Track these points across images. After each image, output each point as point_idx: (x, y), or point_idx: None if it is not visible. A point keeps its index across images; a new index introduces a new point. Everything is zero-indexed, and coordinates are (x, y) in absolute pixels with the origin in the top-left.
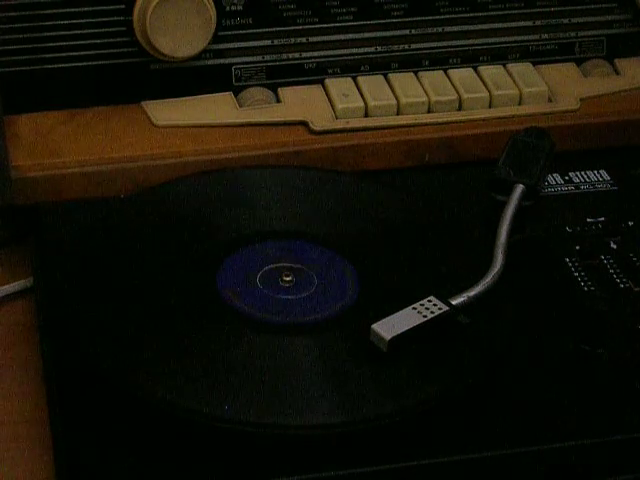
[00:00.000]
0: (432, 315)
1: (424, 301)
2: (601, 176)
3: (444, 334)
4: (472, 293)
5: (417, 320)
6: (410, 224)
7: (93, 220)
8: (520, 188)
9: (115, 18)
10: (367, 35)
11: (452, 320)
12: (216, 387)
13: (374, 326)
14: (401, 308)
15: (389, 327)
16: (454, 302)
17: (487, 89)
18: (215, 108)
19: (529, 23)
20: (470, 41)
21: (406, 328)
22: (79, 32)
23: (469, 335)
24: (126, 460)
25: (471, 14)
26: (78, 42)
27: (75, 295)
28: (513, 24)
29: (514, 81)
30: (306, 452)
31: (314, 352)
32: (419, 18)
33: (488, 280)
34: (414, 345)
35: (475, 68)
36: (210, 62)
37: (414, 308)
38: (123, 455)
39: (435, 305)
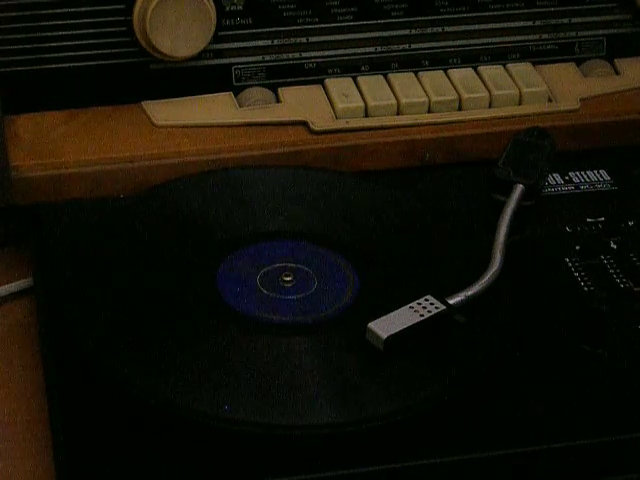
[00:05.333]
0: (429, 314)
1: (421, 300)
2: (601, 176)
3: (441, 333)
4: (470, 292)
5: (414, 319)
6: (410, 224)
7: (93, 220)
8: (520, 188)
9: (115, 18)
10: (367, 35)
11: (449, 319)
12: (216, 387)
13: (370, 325)
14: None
15: (385, 326)
16: (452, 301)
17: (487, 89)
18: (215, 108)
19: (529, 23)
20: (470, 41)
21: (402, 327)
22: (79, 32)
23: (468, 335)
24: (126, 460)
25: (471, 14)
26: (78, 42)
27: (75, 295)
28: (513, 24)
29: (514, 81)
30: (305, 452)
31: (314, 352)
32: (419, 18)
33: (486, 280)
34: (411, 344)
35: (475, 68)
36: (210, 62)
37: (411, 307)
38: (123, 455)
39: (432, 304)
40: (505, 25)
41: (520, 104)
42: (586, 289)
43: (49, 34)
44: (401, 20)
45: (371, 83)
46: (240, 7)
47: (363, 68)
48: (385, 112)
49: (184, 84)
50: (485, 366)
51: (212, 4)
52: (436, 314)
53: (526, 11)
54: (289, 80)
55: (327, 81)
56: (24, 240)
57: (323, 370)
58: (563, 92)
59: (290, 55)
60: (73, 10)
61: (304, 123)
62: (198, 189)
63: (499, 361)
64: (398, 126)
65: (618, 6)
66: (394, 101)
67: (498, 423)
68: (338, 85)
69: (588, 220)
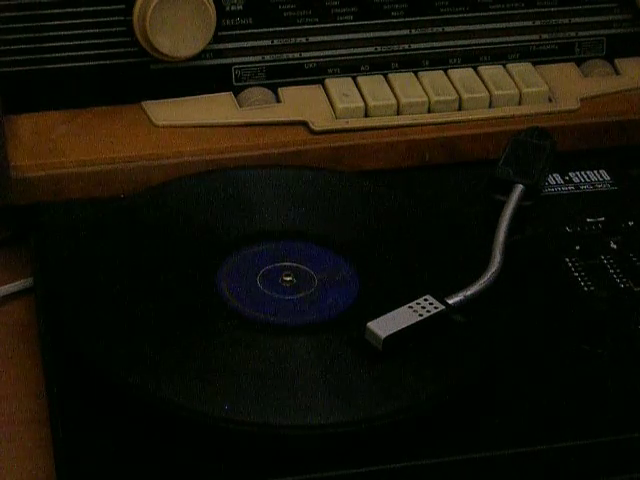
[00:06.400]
0: (428, 314)
1: (420, 300)
2: (601, 176)
3: (440, 333)
4: (469, 292)
5: (413, 319)
6: (410, 224)
7: (93, 220)
8: (519, 188)
9: (115, 18)
10: (367, 35)
11: (448, 319)
12: (216, 387)
13: (369, 324)
14: None
15: (384, 325)
16: (451, 301)
17: (487, 89)
18: (215, 108)
19: (529, 23)
20: (470, 41)
21: (401, 327)
22: (79, 32)
23: (468, 335)
24: (126, 460)
25: (471, 14)
26: (78, 42)
27: (75, 295)
28: (513, 24)
29: (514, 81)
30: (306, 452)
31: (313, 352)
32: (419, 18)
33: (485, 280)
34: (410, 344)
35: (475, 68)
36: (210, 62)
37: (410, 307)
38: (123, 455)
39: (431, 304)
40: (505, 25)
41: (520, 104)
42: (586, 289)
43: (49, 34)
44: (401, 20)
45: (371, 83)
46: (240, 7)
47: (363, 68)
48: (385, 112)
49: (184, 84)
50: (484, 366)
51: (212, 4)
52: (435, 314)
53: (526, 11)
54: (289, 80)
55: (327, 81)
56: (24, 240)
57: (323, 370)
58: (563, 92)
59: (290, 55)
60: (73, 10)
61: (304, 123)
62: (198, 189)
63: (499, 361)
64: (398, 126)
65: (618, 6)
66: (394, 101)
67: (498, 423)
68: (338, 85)
69: (588, 220)
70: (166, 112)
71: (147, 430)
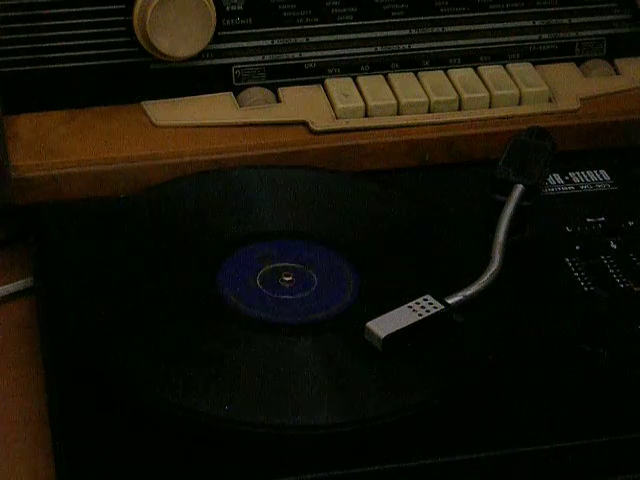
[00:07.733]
0: (427, 314)
1: (420, 299)
2: (601, 176)
3: (439, 333)
4: (469, 292)
5: (412, 319)
6: (410, 224)
7: (93, 220)
8: (519, 188)
9: (115, 18)
10: (367, 35)
11: (448, 319)
12: (216, 387)
13: (369, 324)
14: None
15: (384, 325)
16: (450, 301)
17: (487, 89)
18: (215, 108)
19: (529, 23)
20: (470, 41)
21: (401, 326)
22: (79, 32)
23: (467, 334)
24: (126, 460)
25: (471, 14)
26: (78, 42)
27: (75, 295)
28: (513, 24)
29: (514, 81)
30: (306, 452)
31: (314, 352)
32: (419, 18)
33: (485, 279)
34: (410, 344)
35: (475, 68)
36: (210, 62)
37: (410, 307)
38: (123, 455)
39: (431, 304)
40: (505, 25)
41: (520, 104)
42: (586, 289)
43: (49, 34)
44: (401, 20)
45: (371, 83)
46: (240, 7)
47: (363, 68)
48: (385, 112)
49: (184, 84)
50: (484, 366)
51: (212, 4)
52: (435, 314)
53: (526, 11)
54: (289, 80)
55: (327, 81)
56: (24, 240)
57: (323, 370)
58: (563, 92)
59: (290, 55)
60: (73, 10)
61: (304, 123)
62: (198, 189)
63: (498, 361)
64: (398, 126)
65: (618, 6)
66: (394, 101)
67: (498, 423)
68: (338, 85)
69: (588, 220)
70: (166, 112)
71: (147, 430)
